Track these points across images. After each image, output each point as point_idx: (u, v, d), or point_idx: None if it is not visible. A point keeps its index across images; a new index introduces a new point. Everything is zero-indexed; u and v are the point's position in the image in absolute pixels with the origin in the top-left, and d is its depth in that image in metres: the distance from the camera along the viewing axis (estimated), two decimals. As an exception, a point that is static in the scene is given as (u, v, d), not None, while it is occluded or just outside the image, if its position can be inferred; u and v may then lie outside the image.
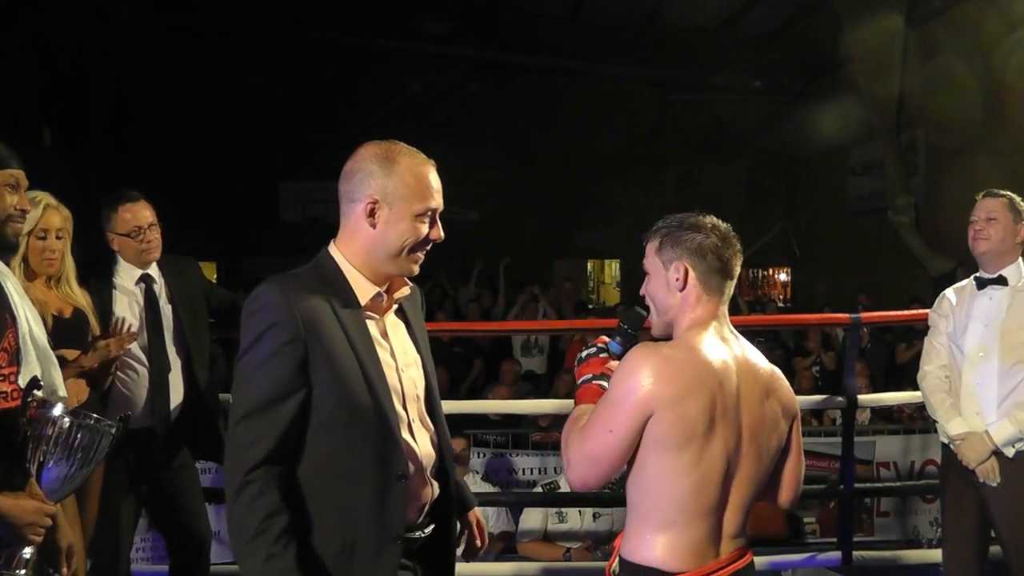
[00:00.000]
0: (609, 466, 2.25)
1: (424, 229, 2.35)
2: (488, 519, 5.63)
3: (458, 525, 2.72)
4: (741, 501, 2.31)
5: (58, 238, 3.60)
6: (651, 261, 2.40)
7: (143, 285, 3.98)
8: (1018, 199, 3.87)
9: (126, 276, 3.98)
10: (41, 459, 2.36)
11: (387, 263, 2.36)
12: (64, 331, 3.56)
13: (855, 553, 4.94)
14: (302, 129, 16.70)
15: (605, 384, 2.41)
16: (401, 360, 2.43)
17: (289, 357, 2.21)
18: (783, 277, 19.90)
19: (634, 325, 2.57)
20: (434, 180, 2.38)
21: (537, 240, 17.61)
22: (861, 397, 5.08)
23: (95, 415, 2.47)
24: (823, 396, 5.62)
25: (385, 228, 2.32)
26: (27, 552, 2.32)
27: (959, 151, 12.00)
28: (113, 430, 2.45)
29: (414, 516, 2.41)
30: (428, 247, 2.39)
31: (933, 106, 12.88)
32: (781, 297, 18.84)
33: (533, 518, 5.55)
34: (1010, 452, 3.75)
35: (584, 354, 2.55)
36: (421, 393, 2.49)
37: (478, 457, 6.36)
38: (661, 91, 18.22)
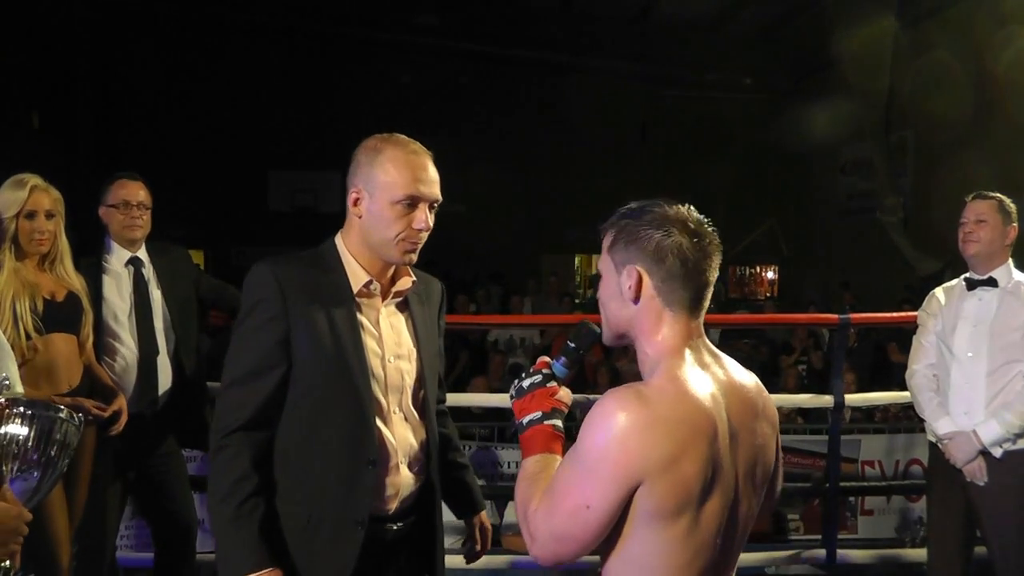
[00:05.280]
0: (586, 545, 1.79)
1: (404, 218, 2.35)
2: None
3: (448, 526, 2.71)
4: (740, 543, 1.94)
5: (48, 218, 3.59)
6: (603, 260, 1.93)
7: (131, 268, 3.99)
8: (1007, 201, 3.89)
9: (115, 259, 3.99)
10: (11, 464, 2.30)
11: (376, 251, 2.40)
12: (56, 314, 3.56)
13: (839, 551, 4.96)
14: (291, 118, 16.65)
15: (558, 424, 2.01)
16: (391, 350, 2.45)
17: (271, 333, 2.31)
18: (770, 275, 19.93)
19: (584, 343, 2.11)
20: (421, 169, 2.38)
21: (525, 234, 17.62)
22: (848, 397, 5.09)
23: (62, 407, 2.43)
24: (810, 396, 5.64)
25: (369, 216, 2.37)
26: (7, 562, 2.16)
27: (948, 151, 12.04)
28: (77, 424, 2.42)
29: (385, 505, 2.44)
30: (418, 236, 2.39)
31: (922, 106, 12.92)
32: (768, 295, 18.85)
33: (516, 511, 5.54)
34: (997, 452, 3.77)
35: (525, 383, 2.05)
36: (409, 385, 2.49)
37: (464, 450, 6.34)
38: (651, 86, 18.19)
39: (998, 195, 3.90)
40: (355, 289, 2.41)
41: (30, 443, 2.31)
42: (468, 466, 2.94)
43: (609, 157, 17.70)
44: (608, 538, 1.80)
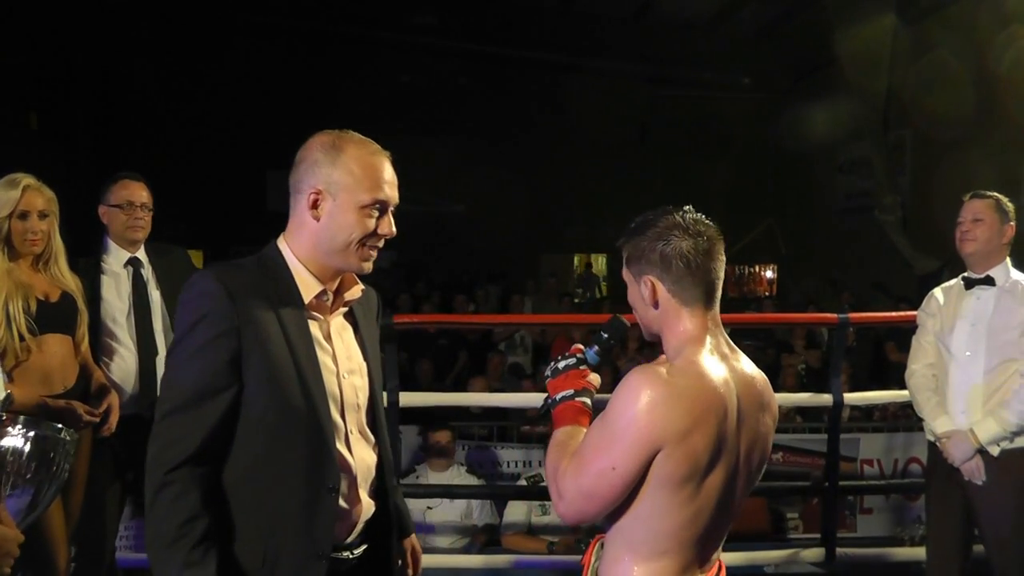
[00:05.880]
0: (610, 503, 2.02)
1: (371, 222, 2.20)
2: (472, 511, 5.64)
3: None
4: (730, 520, 2.16)
5: (42, 218, 3.57)
6: (625, 272, 2.18)
7: (131, 268, 3.99)
8: (1004, 200, 3.90)
9: (114, 260, 3.99)
10: (8, 482, 2.29)
11: (333, 258, 2.23)
12: (50, 315, 3.54)
13: (839, 550, 4.96)
14: (290, 118, 16.53)
15: (587, 401, 2.23)
16: (344, 366, 2.29)
17: (220, 350, 2.09)
18: (769, 274, 19.92)
19: (615, 335, 2.33)
20: (385, 171, 2.23)
21: (524, 233, 17.60)
22: (847, 396, 5.09)
23: (57, 424, 2.42)
24: (809, 394, 5.63)
25: (329, 220, 2.19)
26: None
27: (947, 150, 12.03)
28: (73, 439, 2.42)
29: (344, 534, 2.27)
30: (380, 242, 2.25)
31: (922, 105, 12.90)
32: (767, 294, 18.85)
33: (517, 511, 5.55)
34: (995, 451, 3.78)
35: (560, 365, 2.28)
36: (363, 403, 2.34)
37: (463, 450, 6.36)
38: (650, 86, 18.20)
39: (995, 194, 3.91)
40: (306, 300, 2.22)
41: (29, 461, 2.32)
42: (397, 487, 2.66)
43: (608, 157, 17.69)
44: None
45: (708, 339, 2.10)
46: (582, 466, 2.02)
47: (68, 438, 2.42)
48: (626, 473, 1.97)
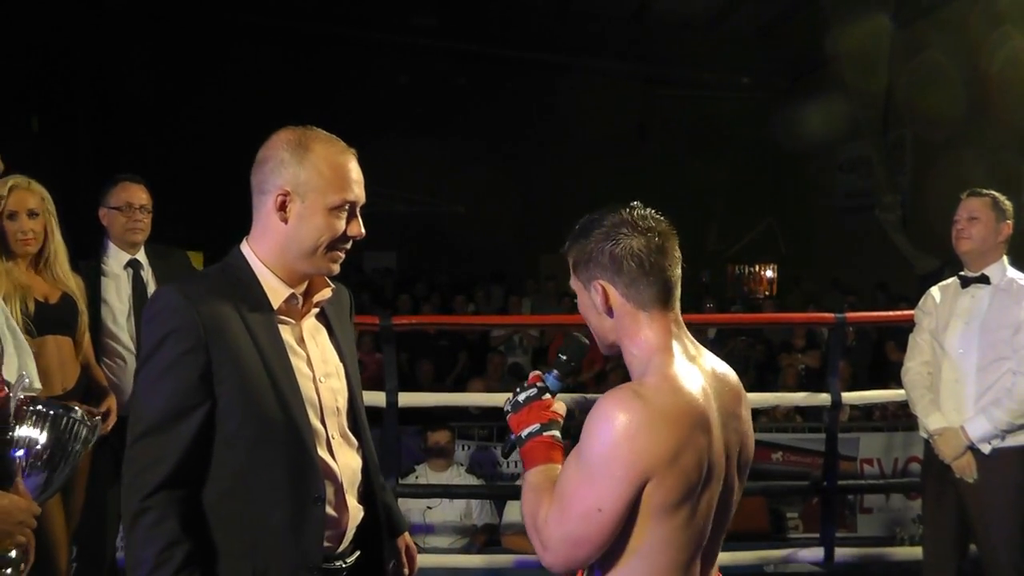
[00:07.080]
0: (601, 546, 1.80)
1: (341, 224, 2.13)
2: (472, 511, 5.65)
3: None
4: (725, 527, 1.98)
5: (32, 217, 3.56)
6: (573, 281, 1.99)
7: (131, 270, 4.01)
8: (1001, 198, 3.91)
9: (114, 261, 4.01)
10: (27, 459, 2.34)
11: (302, 261, 2.14)
12: (49, 317, 3.54)
13: (838, 550, 4.97)
14: (289, 120, 16.48)
15: (556, 434, 2.01)
16: (320, 369, 2.21)
17: (190, 367, 2.00)
18: (769, 274, 19.91)
19: (575, 355, 2.13)
20: (353, 170, 2.16)
21: (523, 234, 17.60)
22: (845, 395, 5.10)
23: (76, 407, 2.45)
24: (806, 394, 5.64)
25: (298, 223, 2.11)
26: (12, 553, 2.20)
27: (946, 149, 12.03)
28: (92, 421, 2.45)
29: (334, 543, 2.19)
30: (348, 244, 2.17)
31: (920, 104, 12.90)
32: (767, 293, 18.83)
33: (517, 511, 5.55)
34: (986, 449, 3.80)
35: (520, 397, 2.06)
36: (343, 405, 2.26)
37: (462, 450, 6.38)
38: (648, 86, 18.20)
39: (992, 192, 3.92)
40: (275, 305, 2.14)
41: (44, 441, 2.36)
42: (385, 486, 2.55)
43: (607, 156, 17.67)
44: None
45: (675, 345, 1.90)
46: (564, 511, 1.80)
47: (83, 419, 2.45)
48: (614, 512, 1.76)
